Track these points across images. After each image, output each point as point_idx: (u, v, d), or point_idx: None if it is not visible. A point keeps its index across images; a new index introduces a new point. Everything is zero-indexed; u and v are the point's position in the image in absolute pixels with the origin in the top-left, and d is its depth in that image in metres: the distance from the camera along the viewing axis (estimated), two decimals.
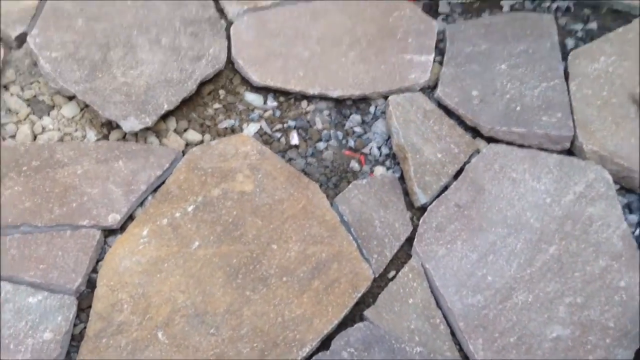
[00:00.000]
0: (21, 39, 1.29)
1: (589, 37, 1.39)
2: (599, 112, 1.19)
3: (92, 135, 1.18)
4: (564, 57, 1.31)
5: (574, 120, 1.18)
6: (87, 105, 1.21)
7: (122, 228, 1.05)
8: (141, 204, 1.08)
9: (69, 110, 1.22)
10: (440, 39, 1.36)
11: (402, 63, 1.28)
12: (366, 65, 1.27)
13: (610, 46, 1.31)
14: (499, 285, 1.00)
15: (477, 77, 1.25)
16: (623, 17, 1.43)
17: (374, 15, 1.36)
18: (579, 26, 1.42)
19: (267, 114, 1.23)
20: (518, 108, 1.20)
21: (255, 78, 1.24)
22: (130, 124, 1.15)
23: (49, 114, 1.21)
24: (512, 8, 1.45)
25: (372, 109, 1.24)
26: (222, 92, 1.27)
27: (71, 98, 1.23)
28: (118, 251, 1.00)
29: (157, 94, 1.19)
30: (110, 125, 1.20)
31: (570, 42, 1.38)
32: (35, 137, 1.17)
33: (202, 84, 1.25)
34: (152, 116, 1.16)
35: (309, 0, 1.40)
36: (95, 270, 1.01)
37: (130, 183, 1.09)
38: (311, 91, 1.23)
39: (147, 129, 1.17)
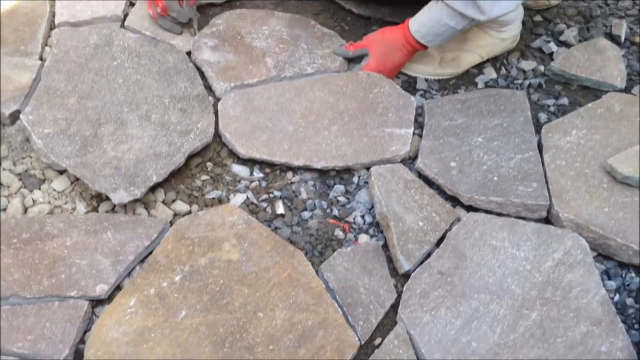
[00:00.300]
0: (14, 117, 1.33)
1: (561, 111, 1.47)
2: (573, 182, 1.25)
3: (81, 207, 1.20)
4: (537, 130, 1.38)
5: (549, 190, 1.23)
6: (77, 179, 1.24)
7: (110, 298, 1.06)
8: (129, 274, 1.10)
9: (59, 183, 1.24)
10: (419, 114, 1.42)
11: (383, 136, 1.33)
12: (348, 138, 1.32)
13: (581, 120, 1.38)
14: (484, 351, 1.01)
15: (455, 149, 1.31)
16: (592, 93, 1.52)
17: (355, 92, 1.43)
18: (550, 101, 1.50)
19: (253, 185, 1.27)
20: (495, 178, 1.25)
21: (242, 151, 1.29)
22: (120, 196, 1.17)
23: (39, 188, 1.23)
24: (487, 85, 1.53)
25: (355, 180, 1.29)
26: (209, 164, 1.31)
27: (62, 172, 1.26)
28: (105, 321, 1.01)
29: (146, 167, 1.23)
30: (99, 198, 1.22)
31: (543, 117, 1.45)
32: (26, 210, 1.19)
33: (191, 157, 1.29)
34: (141, 188, 1.19)
35: (293, 79, 1.47)
36: (82, 341, 1.01)
37: (118, 253, 1.10)
38: (296, 163, 1.28)
39: (136, 200, 1.19)
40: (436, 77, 1.54)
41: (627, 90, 1.50)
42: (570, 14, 1.76)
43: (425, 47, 1.44)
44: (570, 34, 1.66)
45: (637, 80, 1.55)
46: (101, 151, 1.25)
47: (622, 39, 1.68)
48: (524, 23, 1.70)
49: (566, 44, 1.65)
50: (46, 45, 1.53)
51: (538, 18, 1.74)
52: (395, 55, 1.46)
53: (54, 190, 1.23)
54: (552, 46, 1.63)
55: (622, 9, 1.80)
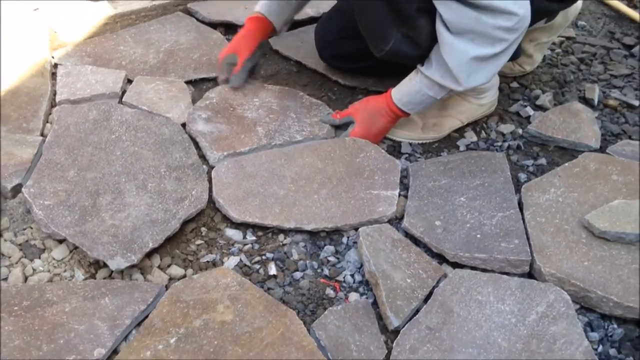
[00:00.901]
0: (16, 190, 1.38)
1: (540, 171, 1.53)
2: (553, 238, 1.30)
3: (80, 274, 1.24)
4: (517, 189, 1.44)
5: (530, 246, 1.28)
6: (76, 247, 1.28)
7: None
8: (125, 337, 1.12)
9: (58, 252, 1.28)
10: (404, 176, 1.49)
11: (370, 198, 1.39)
12: (337, 200, 1.38)
13: (558, 179, 1.45)
14: None
15: (439, 209, 1.36)
16: (569, 153, 1.59)
17: (342, 157, 1.50)
18: (529, 162, 1.57)
19: (246, 248, 1.31)
20: (478, 236, 1.30)
21: (235, 215, 1.34)
22: (117, 263, 1.22)
23: (39, 257, 1.27)
24: (468, 147, 1.61)
25: (344, 240, 1.33)
26: (204, 229, 1.36)
27: (61, 241, 1.30)
28: None
29: (143, 234, 1.28)
30: (97, 265, 1.26)
31: (522, 176, 1.51)
32: (26, 279, 1.23)
33: (185, 223, 1.34)
34: (137, 254, 1.23)
35: (283, 146, 1.54)
36: None
37: (115, 318, 1.13)
38: (287, 225, 1.33)
39: (133, 266, 1.23)
40: (420, 142, 1.61)
41: (601, 150, 1.58)
42: (545, 80, 1.86)
43: (407, 114, 1.53)
44: (545, 99, 1.76)
45: (612, 141, 1.62)
46: (99, 220, 1.30)
47: (596, 102, 1.77)
48: (501, 89, 1.80)
49: (542, 108, 1.74)
50: (47, 122, 1.60)
51: (515, 84, 1.84)
52: (379, 121, 1.55)
53: (54, 259, 1.27)
54: (529, 110, 1.72)
55: (594, 74, 1.91)
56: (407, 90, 1.49)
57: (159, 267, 1.27)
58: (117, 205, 1.34)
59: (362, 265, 1.27)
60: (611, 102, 1.77)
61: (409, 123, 1.61)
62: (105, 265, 1.23)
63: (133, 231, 1.28)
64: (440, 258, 1.29)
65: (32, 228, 1.33)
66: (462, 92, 1.52)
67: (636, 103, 1.76)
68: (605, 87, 1.85)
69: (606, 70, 1.92)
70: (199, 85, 1.80)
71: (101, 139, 1.50)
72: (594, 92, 1.79)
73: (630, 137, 1.65)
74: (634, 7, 2.24)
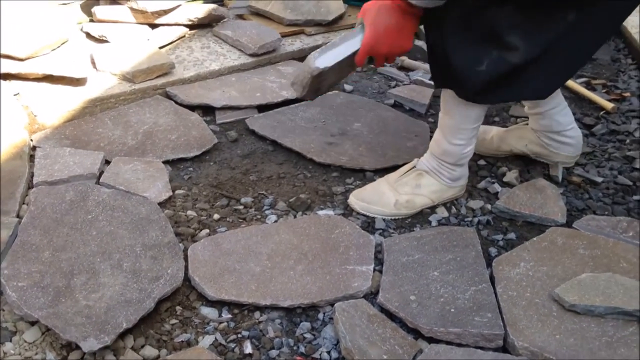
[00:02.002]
0: None
1: (509, 245, 1.57)
2: (525, 311, 1.32)
3: (51, 357, 1.22)
4: (489, 263, 1.47)
5: (503, 320, 1.29)
6: (48, 329, 1.26)
7: None
8: None
9: (30, 334, 1.26)
10: (379, 251, 1.51)
11: (345, 273, 1.41)
12: (313, 276, 1.40)
13: (527, 253, 1.49)
14: None
15: (414, 283, 1.39)
16: (537, 228, 1.64)
17: (318, 233, 1.52)
18: (499, 237, 1.61)
19: (221, 326, 1.31)
20: (452, 310, 1.31)
21: (211, 293, 1.34)
22: (90, 344, 1.20)
23: (11, 340, 1.25)
24: (440, 223, 1.65)
25: (320, 316, 1.34)
26: (179, 307, 1.35)
27: (34, 323, 1.28)
28: None
29: (117, 314, 1.27)
30: (69, 347, 1.24)
31: (493, 251, 1.55)
32: None
33: (160, 302, 1.33)
34: (110, 335, 1.22)
35: (260, 224, 1.57)
36: None
37: None
38: (263, 302, 1.33)
39: (106, 347, 1.22)
40: (393, 217, 1.65)
41: (568, 224, 1.63)
42: (511, 158, 1.94)
43: (415, 8, 1.40)
44: (512, 175, 1.83)
45: (577, 216, 1.68)
46: (73, 301, 1.29)
47: (560, 178, 1.84)
48: (469, 167, 1.87)
49: (509, 185, 1.80)
50: (24, 203, 1.61)
51: (482, 162, 1.92)
52: (388, 19, 1.41)
53: (25, 341, 1.25)
54: (497, 187, 1.78)
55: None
56: None
57: (132, 348, 1.25)
58: (92, 285, 1.33)
59: (338, 342, 1.27)
60: (575, 179, 1.84)
61: (383, 199, 1.66)
62: (78, 347, 1.21)
63: (107, 311, 1.27)
64: (416, 333, 1.30)
65: (4, 310, 1.31)
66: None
67: (599, 180, 1.83)
68: (572, 165, 1.92)
69: None
70: (176, 165, 1.84)
71: (77, 220, 1.51)
72: (558, 170, 1.87)
73: (594, 212, 1.70)
74: (592, 89, 2.38)
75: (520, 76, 1.44)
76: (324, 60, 1.47)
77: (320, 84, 1.53)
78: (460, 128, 1.62)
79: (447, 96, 1.62)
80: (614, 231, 1.57)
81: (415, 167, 1.71)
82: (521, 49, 1.39)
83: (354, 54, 1.46)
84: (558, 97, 1.77)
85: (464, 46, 1.43)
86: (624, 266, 1.43)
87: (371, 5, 1.44)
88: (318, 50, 1.48)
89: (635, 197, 1.77)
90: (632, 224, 1.59)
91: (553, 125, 1.79)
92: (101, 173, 1.72)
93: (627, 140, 2.06)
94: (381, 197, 1.65)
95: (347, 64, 1.50)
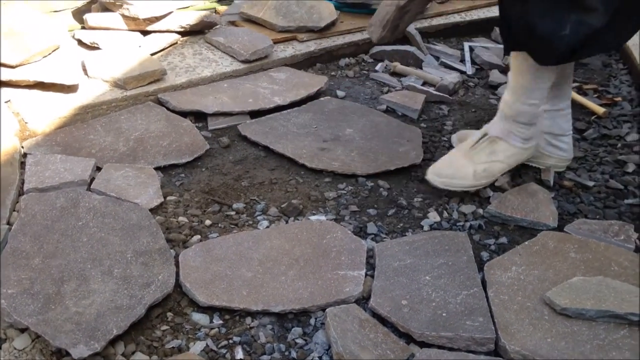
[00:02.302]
0: None
1: (501, 250, 1.58)
2: (516, 315, 1.32)
3: None
4: (480, 268, 1.48)
5: (495, 324, 1.29)
6: (38, 336, 1.25)
7: None
8: None
9: (20, 342, 1.25)
10: (370, 256, 1.51)
11: (336, 278, 1.41)
12: (304, 282, 1.39)
13: (519, 257, 1.49)
14: None
15: (405, 288, 1.38)
16: (528, 232, 1.64)
17: (309, 238, 1.52)
18: (491, 241, 1.61)
19: (213, 332, 1.30)
20: (444, 314, 1.31)
21: (202, 299, 1.34)
22: (80, 351, 1.19)
23: (1, 347, 1.24)
24: (431, 227, 1.65)
25: (312, 321, 1.33)
26: (170, 314, 1.34)
27: (24, 330, 1.27)
28: None
29: (107, 321, 1.26)
30: (60, 354, 1.23)
31: (485, 255, 1.55)
32: None
33: (151, 308, 1.33)
34: (100, 342, 1.21)
35: (251, 230, 1.56)
36: None
37: None
38: (254, 308, 1.33)
39: (96, 354, 1.21)
40: (474, 189, 1.73)
41: (559, 228, 1.63)
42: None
43: None
44: (503, 180, 1.83)
45: (568, 220, 1.68)
46: (63, 307, 1.29)
47: (551, 183, 1.85)
48: None
49: (501, 189, 1.80)
50: (14, 210, 1.60)
51: None
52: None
53: (15, 348, 1.24)
54: (488, 191, 1.78)
55: None
56: None
57: (122, 354, 1.24)
58: (82, 292, 1.33)
59: (330, 347, 1.26)
60: (566, 183, 1.85)
61: (461, 172, 1.71)
62: (68, 354, 1.20)
63: (97, 318, 1.26)
64: (408, 337, 1.29)
65: None
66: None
67: (590, 184, 1.84)
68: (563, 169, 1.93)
69: None
70: (168, 171, 1.83)
71: (68, 226, 1.51)
72: (550, 174, 1.87)
73: (586, 216, 1.71)
74: (584, 94, 2.39)
75: (597, 35, 1.47)
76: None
77: (400, 19, 1.55)
78: (535, 88, 1.65)
79: (520, 59, 1.64)
80: (606, 235, 1.57)
81: (486, 134, 1.75)
82: (600, 10, 1.43)
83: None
84: (568, 99, 1.81)
85: (547, 14, 1.47)
86: (615, 269, 1.44)
87: None
88: None
89: (627, 201, 1.78)
90: (623, 227, 1.60)
91: (554, 128, 1.80)
92: (92, 180, 1.71)
93: (619, 145, 2.07)
94: (459, 169, 1.70)
95: None
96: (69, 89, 2.05)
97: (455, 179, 1.71)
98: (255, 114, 2.13)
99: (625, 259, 1.47)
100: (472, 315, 1.31)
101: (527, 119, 1.70)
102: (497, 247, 1.59)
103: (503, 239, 1.61)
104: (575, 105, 2.30)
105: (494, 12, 3.00)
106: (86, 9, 2.50)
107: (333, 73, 2.53)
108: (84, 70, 2.17)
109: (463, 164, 1.71)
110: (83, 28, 2.44)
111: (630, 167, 1.93)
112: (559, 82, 1.72)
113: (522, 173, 1.89)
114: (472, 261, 1.47)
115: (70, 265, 1.39)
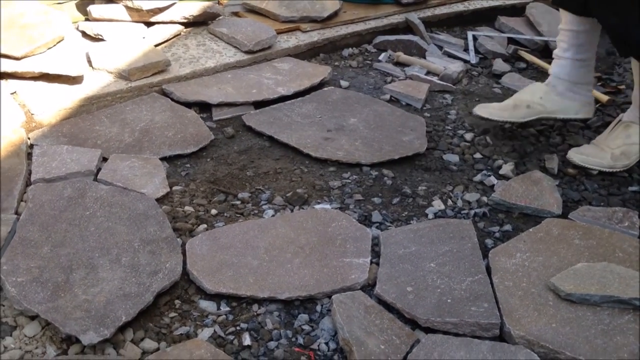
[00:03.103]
0: None
1: (505, 237, 1.58)
2: (521, 301, 1.33)
3: (51, 351, 1.23)
4: (485, 255, 1.48)
5: (499, 309, 1.31)
6: (48, 323, 1.27)
7: None
8: None
9: (30, 329, 1.27)
10: (375, 244, 1.52)
11: (342, 266, 1.42)
12: (310, 269, 1.41)
13: (523, 244, 1.50)
14: None
15: (410, 275, 1.40)
16: (533, 219, 1.65)
17: (315, 227, 1.53)
18: (495, 228, 1.62)
19: (220, 319, 1.32)
20: (449, 300, 1.32)
21: (209, 287, 1.35)
22: (90, 338, 1.21)
23: (11, 334, 1.26)
24: (436, 216, 1.66)
25: (318, 308, 1.35)
26: (177, 301, 1.36)
27: (33, 318, 1.29)
28: None
29: (116, 308, 1.28)
30: (69, 340, 1.25)
31: (489, 242, 1.56)
32: None
33: (159, 296, 1.34)
34: (110, 328, 1.23)
35: (257, 219, 1.57)
36: None
37: None
38: (261, 295, 1.34)
39: (106, 340, 1.22)
40: (610, 170, 1.82)
41: (563, 215, 1.64)
42: (506, 151, 1.95)
43: None
44: (507, 168, 1.84)
45: (572, 207, 1.69)
46: (72, 295, 1.30)
47: (556, 170, 1.85)
48: (465, 160, 1.89)
49: (505, 177, 1.81)
50: (22, 200, 1.61)
51: (478, 155, 1.93)
52: None
53: (25, 335, 1.26)
54: (493, 179, 1.79)
55: (553, 144, 2.00)
56: None
57: (132, 341, 1.26)
58: (91, 280, 1.34)
59: (336, 333, 1.28)
60: (571, 170, 1.85)
61: (600, 154, 1.83)
62: (78, 340, 1.22)
63: (106, 305, 1.28)
64: (413, 323, 1.30)
65: (4, 305, 1.32)
66: None
67: (594, 171, 1.84)
68: (565, 157, 1.93)
69: (564, 141, 2.02)
70: (173, 162, 1.84)
71: (75, 216, 1.52)
72: (554, 162, 1.88)
73: (590, 203, 1.72)
74: None
75: None
76: None
77: None
78: None
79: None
80: (610, 222, 1.58)
81: (621, 120, 1.86)
82: None
83: None
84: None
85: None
86: (619, 256, 1.44)
87: None
88: None
89: (631, 188, 1.78)
90: (627, 214, 1.61)
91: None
92: (99, 170, 1.72)
93: None
94: (598, 152, 1.83)
95: None
96: (74, 80, 2.06)
97: (593, 158, 1.83)
98: (259, 105, 2.14)
99: (630, 246, 1.48)
100: (477, 301, 1.32)
101: None
102: (501, 235, 1.60)
103: (507, 227, 1.62)
104: None
105: (498, 1, 3.00)
106: (90, 0, 2.50)
107: (336, 63, 2.53)
108: (89, 61, 2.18)
109: (602, 148, 1.84)
110: (87, 20, 2.44)
111: None
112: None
113: (526, 161, 1.90)
114: (476, 248, 1.48)
115: (78, 254, 1.41)
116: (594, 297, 1.30)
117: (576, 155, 1.85)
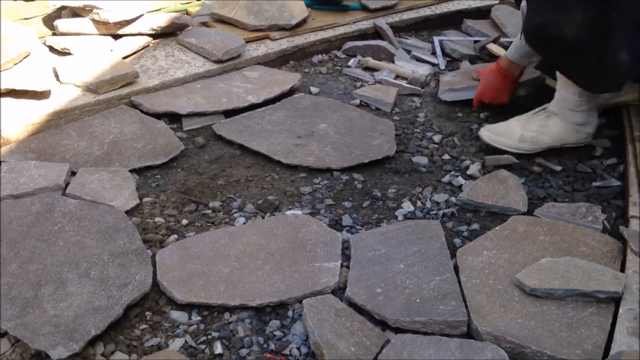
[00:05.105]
0: None
1: (473, 236, 1.61)
2: (488, 297, 1.35)
3: None
4: (453, 254, 1.51)
5: (467, 307, 1.33)
6: (18, 340, 1.26)
7: None
8: None
9: (0, 346, 1.26)
10: (346, 247, 1.54)
11: (313, 270, 1.43)
12: (281, 275, 1.42)
13: (490, 242, 1.52)
14: None
15: (380, 277, 1.41)
16: (499, 217, 1.68)
17: (285, 232, 1.54)
18: (464, 228, 1.65)
19: (191, 329, 1.32)
20: (418, 300, 1.34)
21: (180, 297, 1.36)
22: (59, 352, 1.21)
23: None
24: (405, 217, 1.68)
25: (290, 313, 1.36)
26: (148, 313, 1.36)
27: (3, 335, 1.28)
28: None
29: (85, 322, 1.27)
30: (39, 356, 1.25)
31: (457, 241, 1.59)
32: None
33: (130, 308, 1.34)
34: (79, 343, 1.23)
35: (228, 227, 1.58)
36: None
37: None
38: (232, 303, 1.35)
39: (76, 355, 1.22)
40: (515, 150, 1.88)
41: (529, 213, 1.67)
42: (474, 152, 1.98)
43: (512, 75, 2.07)
44: (475, 168, 1.87)
45: (538, 204, 1.72)
46: (41, 311, 1.30)
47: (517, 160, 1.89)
48: (434, 162, 1.91)
49: (472, 177, 1.84)
50: None
51: (446, 157, 1.96)
52: (492, 80, 2.10)
53: None
54: (460, 179, 1.82)
55: None
56: (514, 46, 2.03)
57: (102, 354, 1.26)
58: (60, 295, 1.34)
59: (307, 337, 1.29)
60: (535, 168, 1.89)
61: (509, 132, 1.89)
62: (48, 356, 1.21)
63: (75, 320, 1.27)
64: (383, 324, 1.32)
65: None
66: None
67: (558, 168, 1.88)
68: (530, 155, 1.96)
69: None
70: (143, 173, 1.84)
71: (44, 231, 1.51)
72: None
73: (555, 200, 1.75)
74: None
75: None
76: (448, 95, 2.28)
77: None
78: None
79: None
80: (574, 217, 1.61)
81: (545, 109, 1.91)
82: None
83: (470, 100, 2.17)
84: None
85: None
86: (583, 250, 1.48)
87: (488, 69, 2.14)
88: (448, 88, 2.27)
89: (595, 184, 1.82)
90: (590, 209, 1.64)
91: None
92: (67, 184, 1.72)
93: None
94: (509, 130, 1.88)
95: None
96: (41, 95, 2.05)
97: (501, 137, 1.89)
98: (229, 113, 2.15)
99: (593, 239, 1.51)
100: (445, 299, 1.34)
101: (571, 106, 1.85)
102: (469, 234, 1.62)
103: (475, 225, 1.65)
104: (549, 89, 2.35)
105: (463, 4, 3.05)
106: (56, 15, 2.49)
107: (306, 70, 2.55)
108: (56, 76, 2.17)
109: (515, 126, 1.89)
110: (54, 34, 2.43)
111: (598, 151, 1.97)
112: None
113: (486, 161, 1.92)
114: (444, 248, 1.50)
115: (47, 269, 1.40)
116: (558, 291, 1.33)
117: (485, 133, 1.93)
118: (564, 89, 1.85)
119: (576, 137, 1.90)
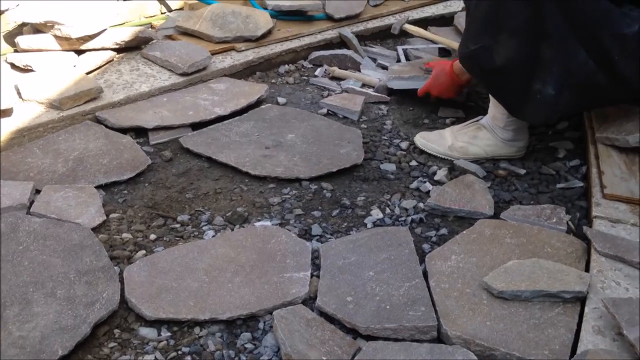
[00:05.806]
0: None
1: (442, 241, 1.63)
2: (456, 301, 1.37)
3: None
4: (422, 259, 1.52)
5: (436, 312, 1.34)
6: None
7: None
8: None
9: None
10: (316, 257, 1.54)
11: (283, 281, 1.43)
12: (251, 287, 1.41)
13: (458, 246, 1.54)
14: None
15: (350, 285, 1.42)
16: (467, 221, 1.70)
17: (254, 244, 1.54)
18: (432, 233, 1.66)
19: (161, 345, 1.30)
20: (388, 307, 1.35)
21: (148, 313, 1.34)
22: None
23: None
24: (375, 224, 1.69)
25: (261, 325, 1.35)
26: (117, 330, 1.34)
27: None
28: None
29: (52, 342, 1.25)
30: None
31: (426, 247, 1.60)
32: None
33: (97, 326, 1.32)
34: None
35: (197, 241, 1.57)
36: None
37: None
38: (202, 317, 1.34)
39: None
40: (445, 157, 1.97)
41: (495, 216, 1.70)
42: (440, 158, 2.00)
43: (462, 82, 2.14)
44: (442, 174, 1.89)
45: (504, 207, 1.75)
46: (6, 333, 1.27)
47: (485, 173, 1.92)
48: (402, 168, 1.93)
49: (439, 183, 1.86)
50: None
51: (414, 163, 1.98)
52: (442, 79, 2.16)
53: None
54: (428, 185, 1.84)
55: None
56: None
57: None
58: (25, 316, 1.31)
59: (279, 349, 1.28)
60: (501, 172, 1.92)
61: (441, 141, 1.98)
62: None
63: (42, 340, 1.25)
64: (354, 332, 1.32)
65: None
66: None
67: (522, 171, 1.91)
68: (495, 160, 2.00)
69: None
70: (110, 189, 1.82)
71: (8, 252, 1.48)
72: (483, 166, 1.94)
73: (520, 203, 1.78)
74: None
75: None
76: (396, 83, 2.38)
77: None
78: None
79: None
80: (539, 219, 1.64)
81: (478, 121, 1.98)
82: None
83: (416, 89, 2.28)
84: None
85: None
86: (548, 251, 1.50)
87: (442, 64, 2.19)
88: (397, 76, 2.37)
89: (559, 185, 1.86)
90: (555, 210, 1.67)
91: None
92: (32, 203, 1.69)
93: (549, 132, 2.15)
94: (441, 139, 1.98)
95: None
96: (4, 113, 2.02)
97: (433, 144, 1.99)
98: (196, 126, 2.14)
99: (557, 240, 1.54)
100: (415, 305, 1.35)
101: (502, 124, 1.92)
102: (438, 239, 1.64)
103: (443, 230, 1.67)
104: None
105: (427, 12, 3.09)
106: (17, 32, 2.46)
107: (273, 80, 2.56)
108: (18, 93, 2.14)
109: (447, 137, 1.98)
110: (15, 51, 2.40)
111: (561, 153, 2.02)
112: None
113: (456, 166, 1.95)
114: (413, 254, 1.52)
115: (12, 290, 1.38)
116: (525, 293, 1.35)
117: (419, 139, 2.03)
118: (495, 108, 1.92)
119: (507, 151, 1.96)
